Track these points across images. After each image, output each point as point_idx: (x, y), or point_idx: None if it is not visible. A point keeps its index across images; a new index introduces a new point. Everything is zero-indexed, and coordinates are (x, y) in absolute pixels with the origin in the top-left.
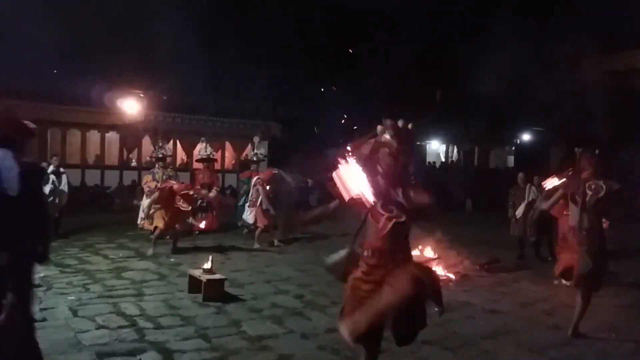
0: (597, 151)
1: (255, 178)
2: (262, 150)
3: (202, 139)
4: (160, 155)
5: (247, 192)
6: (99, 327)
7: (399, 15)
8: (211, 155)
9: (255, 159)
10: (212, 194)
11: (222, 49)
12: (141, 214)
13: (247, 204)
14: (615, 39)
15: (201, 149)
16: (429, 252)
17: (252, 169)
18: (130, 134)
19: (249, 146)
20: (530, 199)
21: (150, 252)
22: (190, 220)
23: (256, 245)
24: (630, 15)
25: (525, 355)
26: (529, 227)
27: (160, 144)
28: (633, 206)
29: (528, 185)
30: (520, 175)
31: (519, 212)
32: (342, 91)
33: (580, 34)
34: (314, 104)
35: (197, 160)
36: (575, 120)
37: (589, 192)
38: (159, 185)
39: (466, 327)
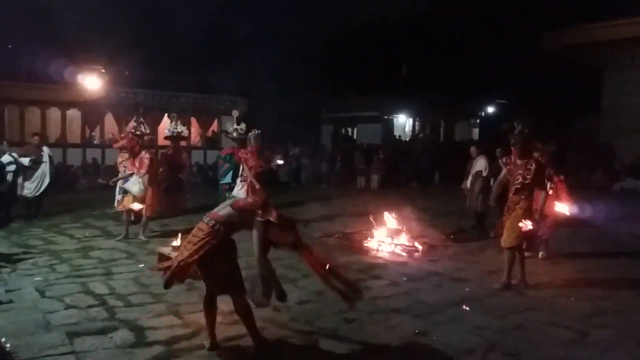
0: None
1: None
2: (242, 126)
3: (173, 115)
4: (139, 133)
5: (229, 170)
6: (68, 307)
7: None
8: (181, 133)
9: (235, 135)
10: (183, 173)
11: (186, 23)
12: (117, 196)
13: (239, 179)
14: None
15: (170, 125)
16: (393, 223)
17: (233, 145)
18: (92, 111)
19: (215, 122)
20: (475, 171)
21: (142, 237)
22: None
23: None
24: None
25: (491, 321)
26: (475, 198)
27: (141, 120)
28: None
29: (478, 157)
30: (472, 148)
31: (467, 184)
32: (308, 66)
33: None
34: (279, 79)
35: (165, 138)
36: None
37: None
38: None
39: (434, 295)
